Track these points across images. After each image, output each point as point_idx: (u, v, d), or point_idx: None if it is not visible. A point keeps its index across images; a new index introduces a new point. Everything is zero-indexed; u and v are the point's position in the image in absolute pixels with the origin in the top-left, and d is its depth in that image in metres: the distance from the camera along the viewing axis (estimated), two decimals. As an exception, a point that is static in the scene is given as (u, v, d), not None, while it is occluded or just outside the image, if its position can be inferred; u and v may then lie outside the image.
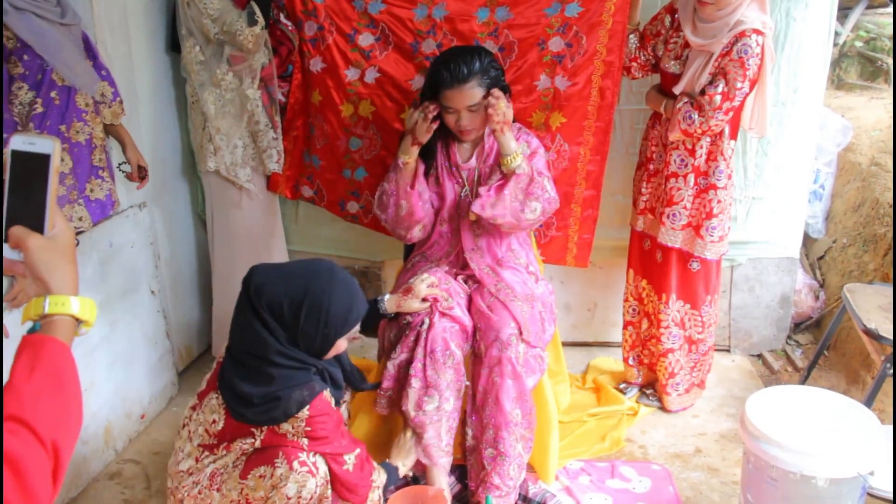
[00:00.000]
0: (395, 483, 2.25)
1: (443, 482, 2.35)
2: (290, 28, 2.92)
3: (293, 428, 1.93)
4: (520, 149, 2.44)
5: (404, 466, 2.30)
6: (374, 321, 2.41)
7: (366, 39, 2.86)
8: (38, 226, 1.04)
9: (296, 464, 1.92)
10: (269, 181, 3.12)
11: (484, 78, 2.38)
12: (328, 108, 2.98)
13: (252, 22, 2.76)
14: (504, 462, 2.31)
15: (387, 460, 2.28)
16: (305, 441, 1.95)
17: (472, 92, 2.37)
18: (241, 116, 2.91)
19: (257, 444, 1.98)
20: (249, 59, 2.83)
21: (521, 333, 2.34)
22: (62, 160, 2.25)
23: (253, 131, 2.96)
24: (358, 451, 2.07)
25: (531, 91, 2.81)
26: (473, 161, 2.56)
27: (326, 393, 1.97)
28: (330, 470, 2.00)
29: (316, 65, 2.94)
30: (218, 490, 1.98)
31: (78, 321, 1.05)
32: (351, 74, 2.91)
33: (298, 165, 3.14)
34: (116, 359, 2.70)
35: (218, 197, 3.07)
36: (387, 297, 2.40)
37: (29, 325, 1.03)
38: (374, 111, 2.94)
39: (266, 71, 2.90)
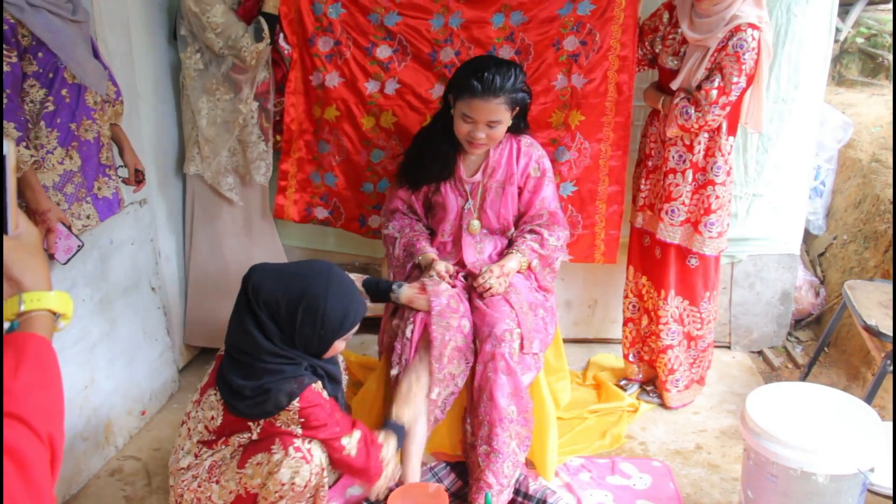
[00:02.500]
0: (402, 442, 2.20)
1: (416, 470, 2.30)
2: (286, 52, 2.91)
3: (287, 419, 1.95)
4: (522, 261, 2.48)
5: (408, 415, 2.23)
6: (385, 299, 2.39)
7: (384, 52, 2.86)
8: (1, 227, 1.04)
9: (291, 449, 1.94)
10: (274, 209, 3.10)
11: (512, 96, 2.35)
12: (347, 122, 2.95)
13: (259, 38, 2.76)
14: (497, 459, 2.29)
15: (390, 419, 2.22)
16: (299, 429, 1.96)
17: (499, 108, 2.34)
18: (233, 127, 2.91)
19: (254, 437, 2.00)
20: (252, 72, 2.84)
21: (518, 327, 2.33)
22: (70, 158, 2.26)
23: (243, 141, 2.95)
24: (358, 434, 2.04)
25: (549, 91, 2.82)
26: (479, 175, 2.55)
27: (317, 385, 1.99)
28: (334, 459, 2.01)
29: (332, 80, 2.91)
30: (217, 482, 2.01)
31: (56, 315, 1.06)
32: (371, 87, 2.90)
33: (306, 188, 3.08)
34: (117, 356, 2.71)
35: (200, 199, 3.08)
36: (404, 287, 2.36)
37: (6, 325, 1.03)
38: (396, 121, 2.93)
39: (263, 85, 2.91)
